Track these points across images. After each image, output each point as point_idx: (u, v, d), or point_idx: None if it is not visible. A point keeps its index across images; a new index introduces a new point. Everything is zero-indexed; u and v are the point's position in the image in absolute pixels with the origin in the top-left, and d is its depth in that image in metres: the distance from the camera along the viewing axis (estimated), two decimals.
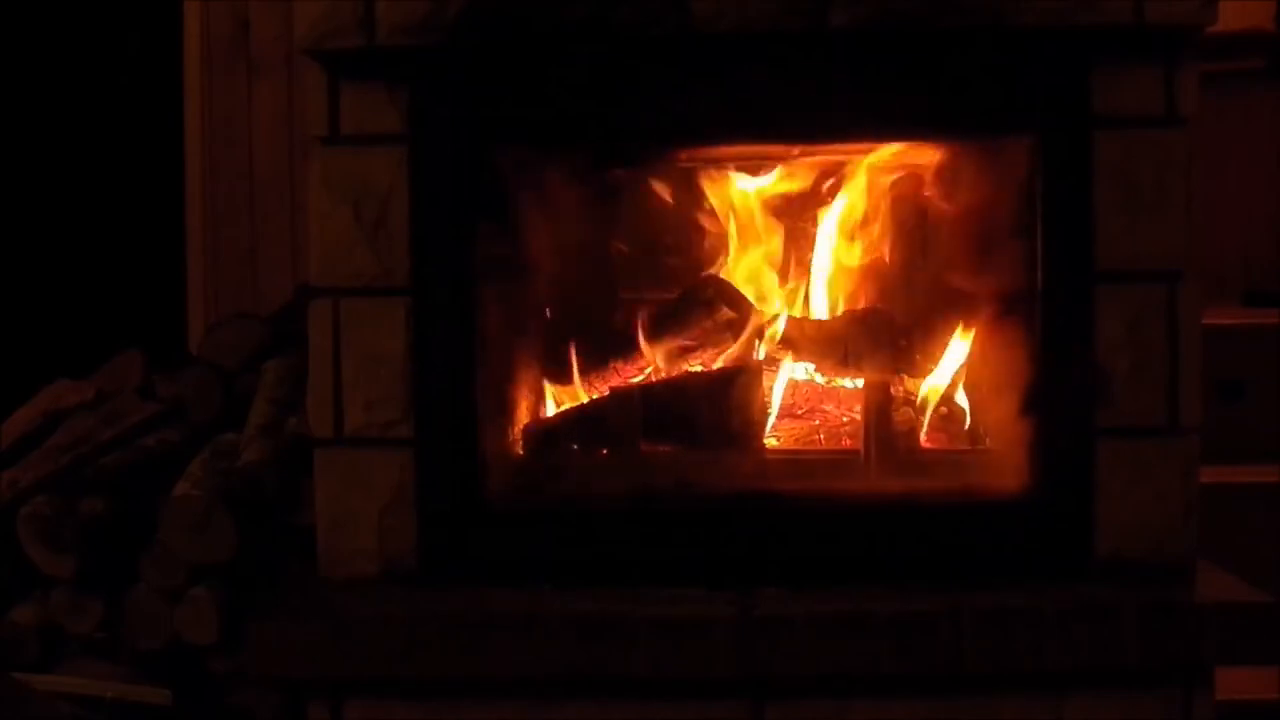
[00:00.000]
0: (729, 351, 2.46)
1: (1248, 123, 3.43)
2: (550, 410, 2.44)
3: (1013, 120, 2.19)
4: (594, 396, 2.44)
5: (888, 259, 2.49)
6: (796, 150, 2.43)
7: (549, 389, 2.45)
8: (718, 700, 2.06)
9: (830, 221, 2.50)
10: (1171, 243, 2.15)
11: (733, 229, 2.52)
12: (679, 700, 2.06)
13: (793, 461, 2.35)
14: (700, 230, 2.56)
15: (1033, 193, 2.17)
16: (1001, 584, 2.10)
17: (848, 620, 2.03)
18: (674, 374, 2.45)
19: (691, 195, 2.52)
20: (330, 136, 2.20)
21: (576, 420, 2.39)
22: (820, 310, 2.51)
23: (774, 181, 2.48)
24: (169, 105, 3.52)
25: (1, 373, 3.18)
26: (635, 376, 2.47)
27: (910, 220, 2.46)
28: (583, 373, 2.46)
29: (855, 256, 2.50)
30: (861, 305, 2.49)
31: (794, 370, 2.45)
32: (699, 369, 2.46)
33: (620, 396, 2.38)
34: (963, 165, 2.36)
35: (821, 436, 2.42)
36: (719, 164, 2.47)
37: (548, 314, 2.48)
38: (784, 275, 2.53)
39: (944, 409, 2.39)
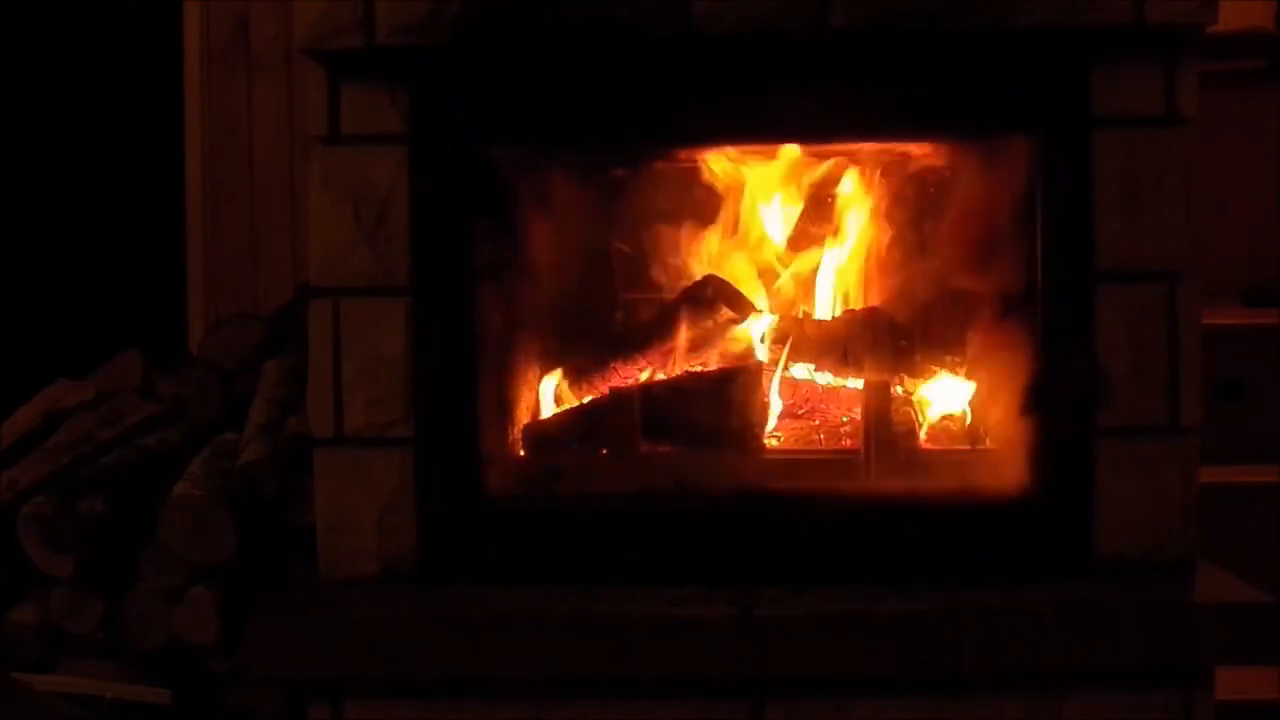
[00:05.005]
0: (729, 351, 2.46)
1: (1248, 123, 3.43)
2: (550, 410, 2.44)
3: (1013, 120, 2.19)
4: (594, 396, 2.44)
5: (888, 259, 2.49)
6: (796, 150, 2.43)
7: (549, 389, 2.45)
8: (718, 700, 2.06)
9: (830, 222, 2.50)
10: (1171, 243, 2.16)
11: (732, 229, 2.52)
12: (679, 700, 2.06)
13: (793, 461, 2.35)
14: (700, 230, 2.55)
15: (1033, 193, 2.17)
16: (1001, 584, 2.10)
17: (848, 620, 2.03)
18: (674, 374, 2.45)
19: (691, 195, 2.52)
20: (330, 136, 2.20)
21: (576, 420, 2.39)
22: (820, 310, 2.51)
23: (774, 182, 2.48)
24: (169, 105, 3.52)
25: (1, 373, 3.18)
26: (635, 377, 2.47)
27: (910, 220, 2.46)
28: (583, 373, 2.46)
29: (855, 256, 2.50)
30: (861, 305, 2.49)
31: (794, 370, 2.45)
32: (699, 369, 2.46)
33: (620, 396, 2.38)
34: (963, 165, 2.36)
35: (821, 436, 2.42)
36: (719, 164, 2.47)
37: (548, 314, 2.48)
38: (784, 275, 2.53)
39: (944, 409, 2.39)
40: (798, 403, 2.46)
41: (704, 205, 2.52)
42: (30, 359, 3.28)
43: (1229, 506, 2.69)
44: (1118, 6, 2.08)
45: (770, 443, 2.39)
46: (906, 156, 2.42)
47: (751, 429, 2.34)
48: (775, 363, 2.44)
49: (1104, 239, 2.15)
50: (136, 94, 3.65)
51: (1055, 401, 2.16)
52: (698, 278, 2.51)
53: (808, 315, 2.50)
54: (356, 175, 2.20)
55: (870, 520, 2.19)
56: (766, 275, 2.53)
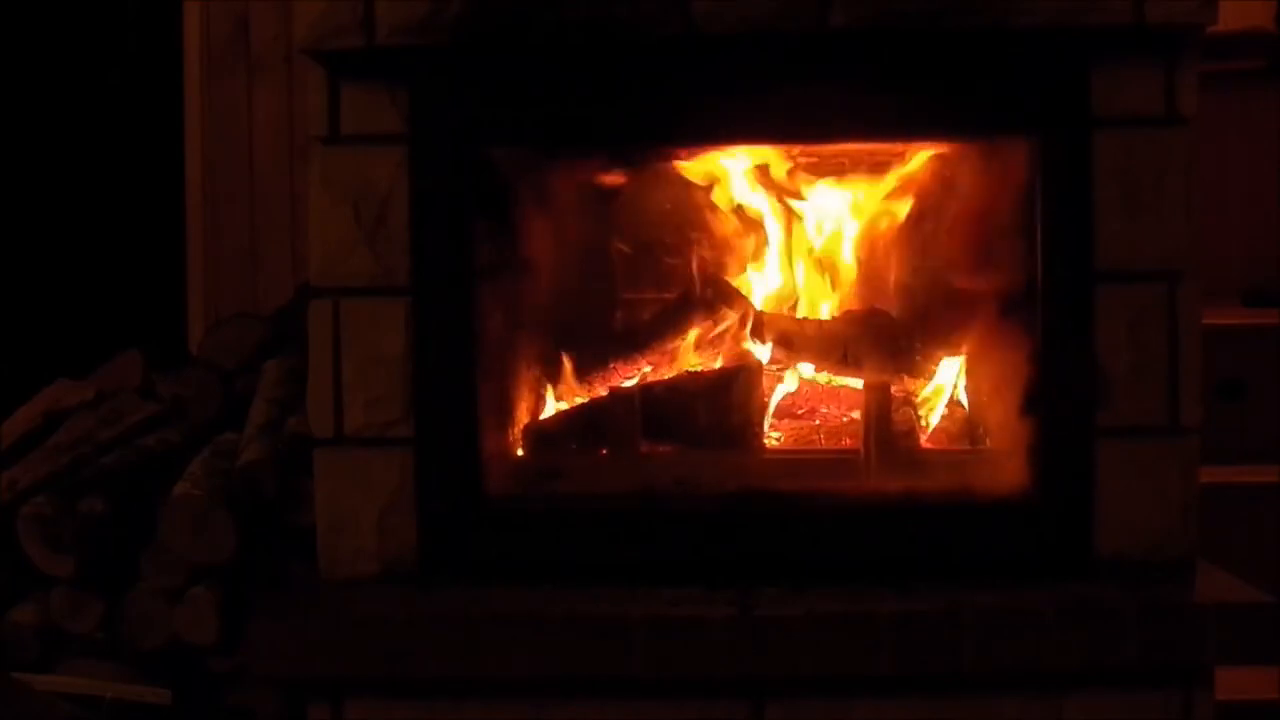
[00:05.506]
0: (729, 351, 2.46)
1: (1248, 123, 3.43)
2: (550, 410, 2.44)
3: (1013, 120, 2.19)
4: (594, 396, 2.44)
5: (888, 259, 2.49)
6: (796, 150, 2.43)
7: (549, 389, 2.45)
8: (718, 700, 2.06)
9: (831, 221, 2.50)
10: (1171, 243, 2.16)
11: (732, 229, 2.53)
12: (679, 700, 2.06)
13: (793, 461, 2.35)
14: (700, 230, 2.56)
15: (1033, 193, 2.17)
16: (1001, 584, 2.10)
17: (848, 620, 2.02)
18: (674, 374, 2.45)
19: (691, 195, 2.52)
20: (330, 136, 2.20)
21: (576, 420, 2.39)
22: (820, 310, 2.51)
23: (774, 181, 2.48)
24: (169, 105, 3.52)
25: (1, 373, 3.18)
26: (635, 376, 2.47)
27: (910, 220, 2.46)
28: (583, 373, 2.46)
29: (856, 256, 2.50)
30: (861, 305, 2.49)
31: (794, 370, 2.45)
32: (699, 369, 2.46)
33: (620, 396, 2.38)
34: (963, 165, 2.36)
35: (821, 436, 2.42)
36: (719, 164, 2.47)
37: (548, 314, 2.48)
38: (784, 275, 2.53)
39: (944, 409, 2.39)
40: (798, 403, 2.46)
41: (703, 205, 2.53)
42: (30, 359, 3.28)
43: (1229, 506, 2.69)
44: (1118, 6, 2.08)
45: (770, 442, 2.39)
46: (906, 157, 2.42)
47: (751, 429, 2.35)
48: (775, 362, 2.44)
49: (1104, 239, 2.15)
50: (136, 94, 3.65)
51: (1055, 401, 2.16)
52: (697, 277, 2.52)
53: (808, 315, 2.50)
54: (356, 175, 2.20)
55: (870, 520, 2.19)
56: (766, 275, 2.53)
